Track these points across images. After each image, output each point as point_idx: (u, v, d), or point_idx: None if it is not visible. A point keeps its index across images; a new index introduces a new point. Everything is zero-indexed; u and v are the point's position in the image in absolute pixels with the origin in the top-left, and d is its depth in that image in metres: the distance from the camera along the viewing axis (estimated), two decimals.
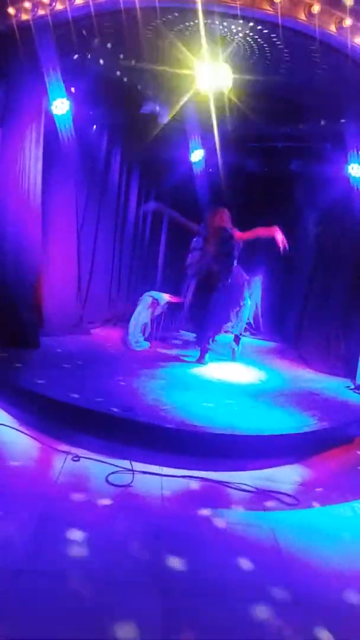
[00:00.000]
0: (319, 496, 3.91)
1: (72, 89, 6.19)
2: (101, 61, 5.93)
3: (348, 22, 4.45)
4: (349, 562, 3.13)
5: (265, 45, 4.98)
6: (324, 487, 4.09)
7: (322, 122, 6.81)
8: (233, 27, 4.77)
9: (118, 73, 6.27)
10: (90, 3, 4.51)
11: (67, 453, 3.98)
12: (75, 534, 2.98)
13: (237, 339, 7.13)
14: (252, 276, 8.80)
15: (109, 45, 5.56)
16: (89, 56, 5.80)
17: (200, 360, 6.53)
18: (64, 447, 4.05)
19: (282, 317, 8.51)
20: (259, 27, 4.66)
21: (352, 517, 3.67)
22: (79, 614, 2.40)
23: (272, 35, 4.71)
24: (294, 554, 3.12)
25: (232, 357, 7.01)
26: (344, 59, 4.60)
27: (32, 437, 4.19)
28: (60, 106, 6.13)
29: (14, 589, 2.48)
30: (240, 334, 7.25)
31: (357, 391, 6.01)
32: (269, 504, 3.69)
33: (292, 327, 7.93)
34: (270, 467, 4.27)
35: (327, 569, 3.01)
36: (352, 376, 6.35)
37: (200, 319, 6.70)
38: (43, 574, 2.62)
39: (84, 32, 4.99)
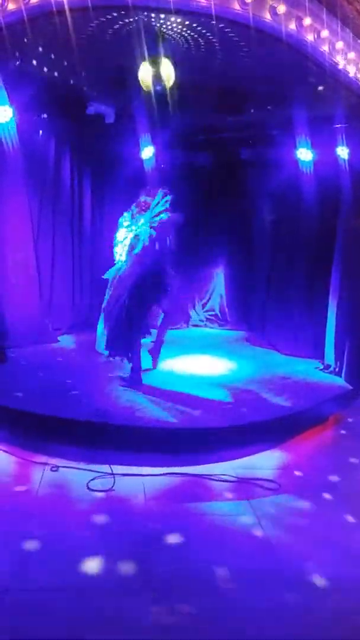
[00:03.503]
0: (298, 478, 3.97)
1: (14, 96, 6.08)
2: (40, 65, 5.83)
3: (282, 8, 4.50)
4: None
5: (199, 38, 4.98)
6: (303, 468, 4.16)
7: (269, 109, 6.85)
8: (169, 22, 4.75)
9: (59, 76, 6.18)
10: (23, 8, 4.42)
11: (45, 464, 3.94)
12: (61, 546, 2.96)
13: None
14: (213, 268, 8.87)
15: (47, 49, 5.47)
16: (28, 61, 5.70)
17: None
18: (41, 459, 4.01)
19: (247, 306, 8.55)
20: (194, 20, 4.65)
21: (331, 496, 3.74)
22: (70, 626, 2.38)
23: (206, 27, 4.71)
24: (279, 538, 3.16)
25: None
26: (280, 45, 4.64)
27: (6, 451, 4.13)
28: (3, 114, 6.02)
29: (1, 607, 2.45)
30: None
31: (326, 371, 6.11)
32: (251, 491, 3.74)
33: (258, 315, 7.98)
34: (249, 455, 4.32)
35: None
36: (321, 357, 6.45)
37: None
38: (30, 591, 2.59)
39: (20, 37, 4.89)
